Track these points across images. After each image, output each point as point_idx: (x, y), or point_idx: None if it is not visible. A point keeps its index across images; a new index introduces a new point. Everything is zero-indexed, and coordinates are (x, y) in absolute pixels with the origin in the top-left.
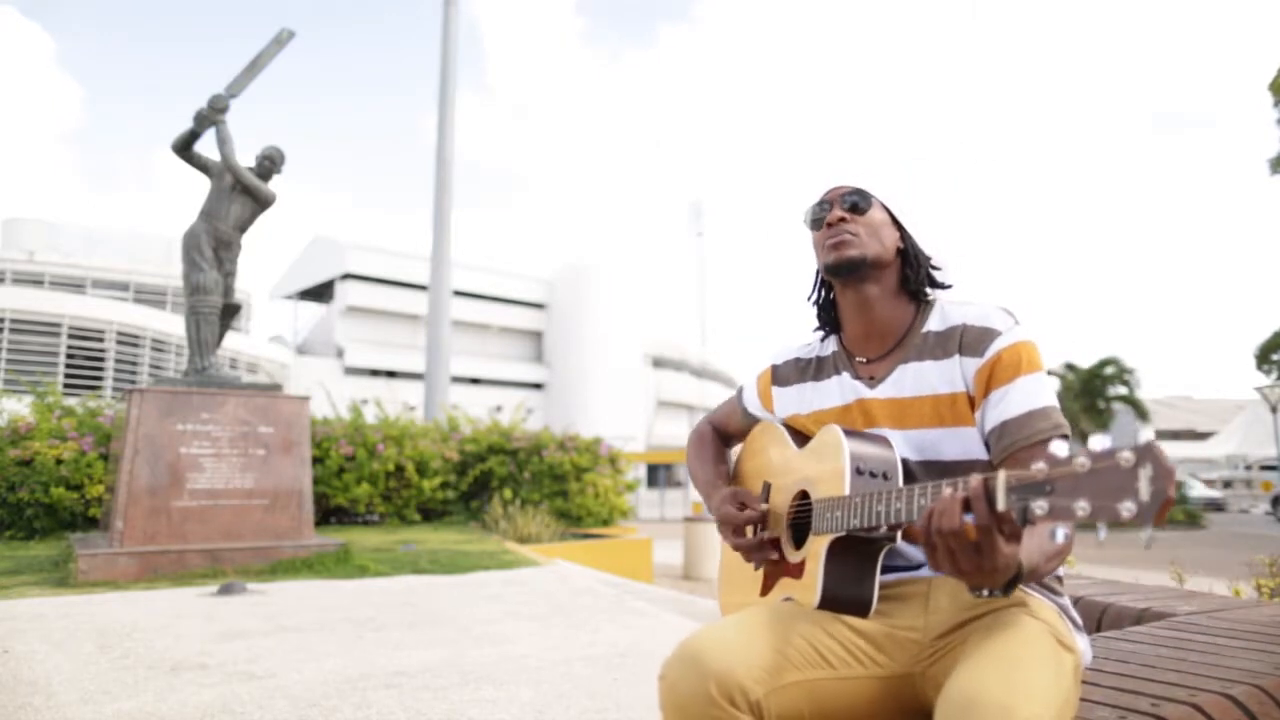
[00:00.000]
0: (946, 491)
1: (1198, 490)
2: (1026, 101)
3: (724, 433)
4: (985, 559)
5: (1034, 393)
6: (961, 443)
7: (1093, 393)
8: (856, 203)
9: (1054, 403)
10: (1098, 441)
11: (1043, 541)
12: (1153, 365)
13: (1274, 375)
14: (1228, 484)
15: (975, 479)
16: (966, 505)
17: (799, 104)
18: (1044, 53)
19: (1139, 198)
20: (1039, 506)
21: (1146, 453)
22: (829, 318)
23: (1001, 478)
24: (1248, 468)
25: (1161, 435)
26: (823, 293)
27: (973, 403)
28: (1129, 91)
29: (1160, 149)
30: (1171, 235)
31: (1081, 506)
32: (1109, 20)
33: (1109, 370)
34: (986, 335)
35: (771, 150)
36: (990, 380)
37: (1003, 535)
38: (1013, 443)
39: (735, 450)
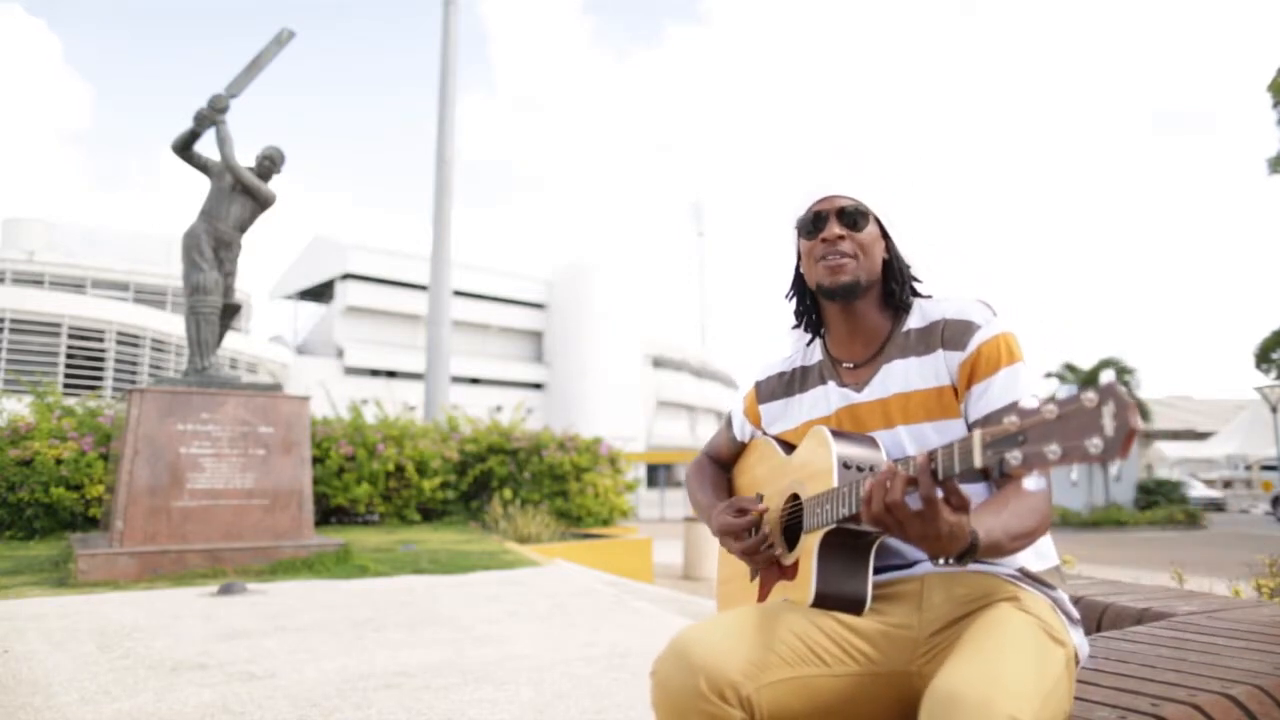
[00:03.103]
0: (897, 468)
1: (1198, 490)
2: (1027, 101)
3: (719, 462)
4: (930, 526)
5: (1014, 385)
6: (950, 436)
7: None
8: (855, 219)
9: (1034, 392)
10: (1064, 390)
11: (1006, 519)
12: (1153, 365)
13: (1274, 375)
14: (1228, 484)
15: (921, 456)
16: (912, 482)
17: (801, 104)
18: (1044, 52)
19: (1139, 198)
20: (1013, 457)
21: (1108, 392)
22: (811, 320)
23: (977, 437)
24: (1248, 468)
25: (1161, 435)
26: (802, 293)
27: (956, 394)
28: (1129, 91)
29: (1160, 149)
30: (1171, 235)
31: (1053, 450)
32: (1109, 20)
33: (1109, 371)
34: (967, 329)
35: (773, 151)
36: (973, 374)
37: (950, 506)
38: None
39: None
